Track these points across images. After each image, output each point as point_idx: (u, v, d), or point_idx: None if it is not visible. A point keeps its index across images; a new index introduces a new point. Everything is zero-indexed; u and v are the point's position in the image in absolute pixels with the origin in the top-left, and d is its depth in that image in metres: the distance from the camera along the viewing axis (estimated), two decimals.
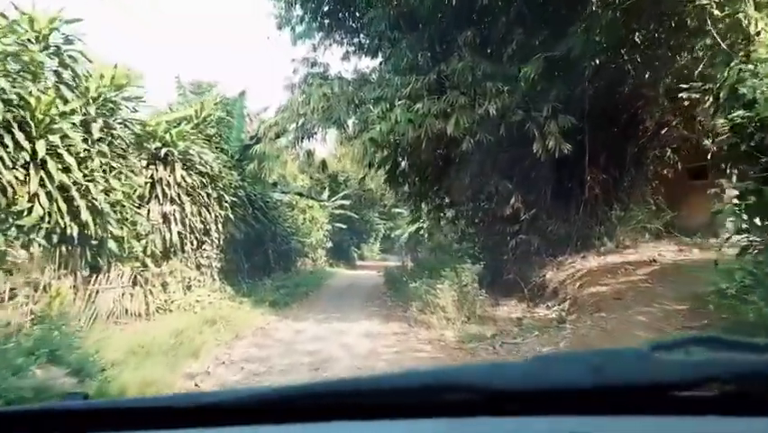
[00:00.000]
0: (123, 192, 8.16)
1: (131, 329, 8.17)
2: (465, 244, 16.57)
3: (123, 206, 8.13)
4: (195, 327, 8.53)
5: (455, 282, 9.91)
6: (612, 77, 10.92)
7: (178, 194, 10.15)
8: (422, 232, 30.52)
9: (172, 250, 10.42)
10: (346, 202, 33.72)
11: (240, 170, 16.94)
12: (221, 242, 12.81)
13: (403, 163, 15.30)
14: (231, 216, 12.69)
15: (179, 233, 10.36)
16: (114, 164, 8.00)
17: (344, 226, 34.25)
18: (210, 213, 11.59)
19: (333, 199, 33.47)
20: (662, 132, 13.59)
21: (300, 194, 20.78)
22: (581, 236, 13.17)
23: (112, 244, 7.90)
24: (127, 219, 8.42)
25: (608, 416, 0.85)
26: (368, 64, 13.70)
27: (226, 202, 12.43)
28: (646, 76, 10.73)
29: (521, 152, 11.80)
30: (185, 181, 10.12)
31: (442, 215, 16.91)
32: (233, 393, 0.99)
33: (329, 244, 32.69)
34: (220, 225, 12.18)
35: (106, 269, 8.13)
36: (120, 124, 8.99)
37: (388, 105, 10.95)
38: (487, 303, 10.84)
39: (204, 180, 11.07)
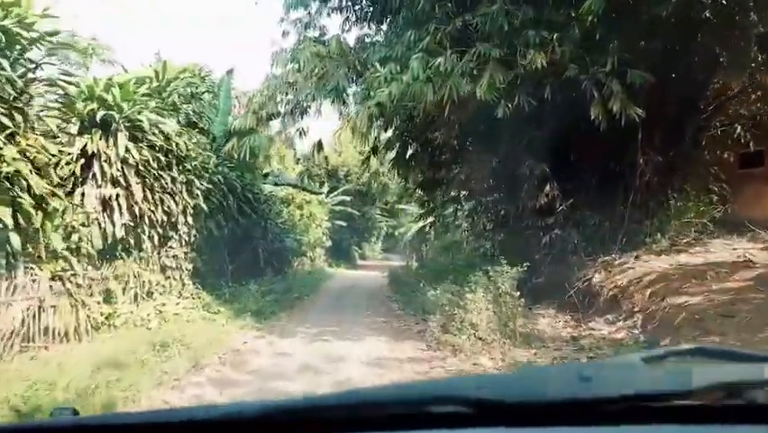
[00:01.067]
0: (30, 162, 5.76)
1: (41, 358, 5.77)
2: (484, 241, 14.16)
3: (28, 182, 5.70)
4: (137, 353, 6.10)
5: (489, 290, 7.47)
6: (688, 27, 8.45)
7: (124, 173, 7.69)
8: (428, 230, 28.14)
9: (121, 247, 8.03)
10: (347, 198, 31.28)
11: (225, 157, 14.59)
12: (195, 238, 10.40)
13: (414, 145, 12.89)
14: (205, 206, 10.26)
15: (127, 225, 7.93)
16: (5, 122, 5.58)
17: (344, 224, 31.81)
18: (176, 202, 9.16)
19: (332, 195, 31.03)
20: (730, 104, 11.17)
21: (296, 186, 18.39)
22: (629, 231, 10.75)
23: (14, 240, 5.52)
24: (43, 204, 6.01)
25: (599, 426, 0.84)
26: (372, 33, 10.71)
27: (198, 189, 9.99)
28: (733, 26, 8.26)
29: (563, 125, 9.37)
30: (133, 157, 7.65)
31: (458, 207, 14.42)
32: (223, 408, 0.93)
33: (328, 243, 30.26)
34: (190, 218, 9.74)
35: (8, 273, 5.73)
36: (44, 83, 6.65)
37: (398, 67, 8.53)
38: (526, 315, 8.45)
39: (163, 159, 8.63)
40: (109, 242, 7.64)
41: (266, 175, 17.74)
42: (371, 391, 1.04)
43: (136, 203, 7.89)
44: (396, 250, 56.81)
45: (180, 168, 9.29)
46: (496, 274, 7.66)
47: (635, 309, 7.41)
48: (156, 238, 8.88)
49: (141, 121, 7.92)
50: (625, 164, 10.54)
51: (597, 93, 7.56)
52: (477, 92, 7.60)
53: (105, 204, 7.55)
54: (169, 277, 9.25)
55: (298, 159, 19.06)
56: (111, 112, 7.52)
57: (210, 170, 11.08)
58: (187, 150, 9.54)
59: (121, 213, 7.65)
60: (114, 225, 7.59)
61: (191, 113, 11.84)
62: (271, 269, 17.41)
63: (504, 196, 11.80)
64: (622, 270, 9.20)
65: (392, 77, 8.34)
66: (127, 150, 7.52)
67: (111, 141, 7.50)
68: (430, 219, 28.23)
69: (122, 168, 7.63)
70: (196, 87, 12.85)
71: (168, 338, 6.96)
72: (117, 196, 7.60)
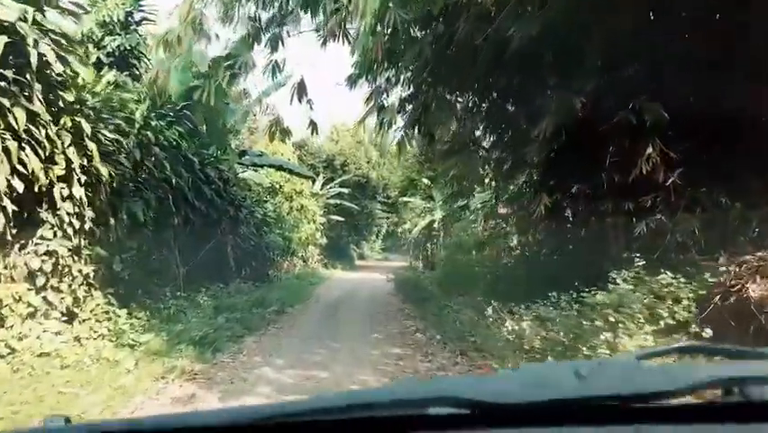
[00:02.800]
0: None
1: None
2: (530, 235, 10.28)
3: None
4: None
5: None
6: None
7: None
8: (436, 226, 24.36)
9: None
10: (344, 190, 27.39)
11: (177, 120, 10.80)
12: (101, 224, 6.50)
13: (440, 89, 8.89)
14: (115, 173, 6.32)
15: None
16: None
17: (342, 219, 27.94)
18: (48, 159, 5.28)
19: (328, 187, 27.17)
20: None
21: (281, 167, 14.49)
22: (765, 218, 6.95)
23: None
24: None
25: (596, 426, 0.83)
26: None
27: (101, 142, 6.05)
28: None
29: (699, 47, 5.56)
30: None
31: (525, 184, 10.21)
32: (219, 414, 0.90)
33: (323, 241, 26.41)
34: (81, 190, 5.80)
35: None
36: None
37: None
38: None
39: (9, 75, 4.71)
40: None
41: (243, 154, 13.89)
42: (367, 392, 1.06)
43: None
44: (395, 249, 52.72)
45: (60, 104, 5.41)
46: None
47: None
48: (13, 225, 5.03)
49: None
50: None
51: None
52: None
53: None
54: (39, 288, 5.37)
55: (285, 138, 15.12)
56: None
57: (137, 125, 7.21)
58: (75, 78, 5.65)
59: None
60: None
61: (116, 48, 7.97)
62: (250, 272, 13.55)
63: (574, 166, 7.92)
64: None
65: None
66: None
67: None
68: (438, 214, 24.51)
69: None
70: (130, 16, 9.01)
71: None
72: None
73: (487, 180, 12.92)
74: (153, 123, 7.69)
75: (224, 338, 7.07)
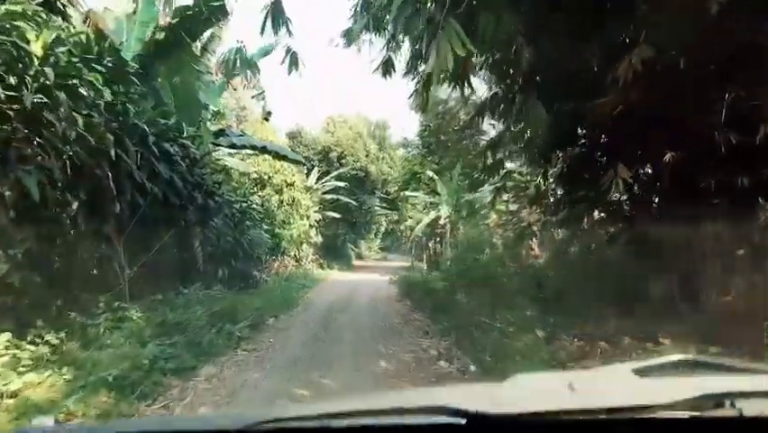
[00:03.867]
0: None
1: None
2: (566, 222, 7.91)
3: None
4: None
5: None
6: None
7: None
8: (442, 222, 22.04)
9: None
10: (341, 184, 25.01)
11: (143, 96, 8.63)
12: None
13: None
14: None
15: None
16: None
17: (338, 216, 25.56)
18: None
19: (323, 181, 24.80)
20: None
21: (264, 149, 12.00)
22: None
23: None
24: None
25: None
26: None
27: None
28: None
29: None
30: None
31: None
32: (204, 419, 0.96)
33: (318, 239, 24.06)
34: None
35: None
36: None
37: None
38: None
39: None
40: None
41: (220, 133, 11.56)
42: (363, 401, 1.01)
43: None
44: (394, 248, 50.12)
45: None
46: None
47: None
48: None
49: None
50: None
51: None
52: None
53: None
54: None
55: (265, 116, 12.61)
56: None
57: (35, 60, 4.84)
58: None
59: None
60: None
61: None
62: (229, 273, 11.22)
63: (667, 123, 5.57)
64: None
65: None
66: None
67: None
68: (445, 210, 22.17)
69: None
70: None
71: None
72: None
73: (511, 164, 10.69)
74: (65, 63, 5.35)
75: (158, 374, 4.73)
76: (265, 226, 16.53)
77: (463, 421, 0.82)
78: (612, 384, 0.92)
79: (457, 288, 10.52)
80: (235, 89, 11.46)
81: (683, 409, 0.83)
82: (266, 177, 18.01)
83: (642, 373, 0.93)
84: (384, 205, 30.37)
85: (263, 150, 11.99)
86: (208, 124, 11.61)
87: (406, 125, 66.14)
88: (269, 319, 8.60)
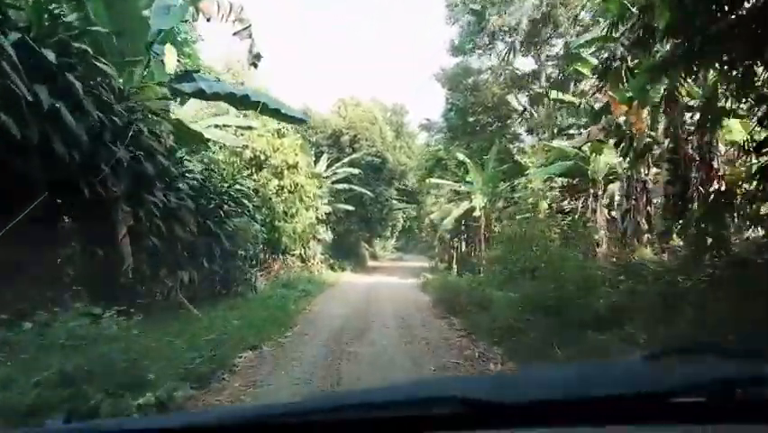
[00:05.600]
0: None
1: None
2: None
3: None
4: None
5: None
6: None
7: None
8: (477, 213, 18.28)
9: None
10: (354, 171, 21.30)
11: None
12: None
13: None
14: None
15: None
16: None
17: (351, 209, 21.89)
18: None
19: (334, 167, 21.13)
20: None
21: (246, 98, 8.17)
22: None
23: None
24: None
25: (601, 426, 0.81)
26: None
27: None
28: None
29: None
30: None
31: None
32: (221, 413, 0.93)
33: (328, 236, 20.46)
34: None
35: None
36: None
37: None
38: None
39: None
40: None
41: (183, 75, 7.96)
42: (370, 391, 1.01)
43: None
44: (410, 247, 45.72)
45: None
46: None
47: None
48: None
49: None
50: None
51: None
52: None
53: None
54: None
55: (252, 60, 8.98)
56: None
57: None
58: None
59: None
60: None
61: None
62: (199, 279, 7.67)
63: None
64: None
65: None
66: None
67: None
68: (480, 200, 18.37)
69: None
70: None
71: None
72: None
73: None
74: None
75: None
76: (260, 217, 12.94)
77: (475, 411, 0.81)
78: (623, 372, 0.90)
79: (526, 299, 6.80)
80: (209, 19, 7.80)
81: (695, 395, 0.81)
82: (262, 156, 14.40)
83: (652, 360, 0.93)
84: (403, 197, 26.61)
85: (246, 102, 8.32)
86: (169, 62, 8.04)
87: (426, 111, 61.39)
88: (235, 359, 4.95)
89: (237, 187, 10.58)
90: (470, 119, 21.72)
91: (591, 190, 13.91)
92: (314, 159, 20.49)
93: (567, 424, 0.81)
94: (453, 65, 21.24)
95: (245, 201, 11.13)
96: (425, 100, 71.93)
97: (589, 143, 13.25)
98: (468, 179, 19.10)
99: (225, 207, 9.67)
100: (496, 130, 20.93)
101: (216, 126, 11.74)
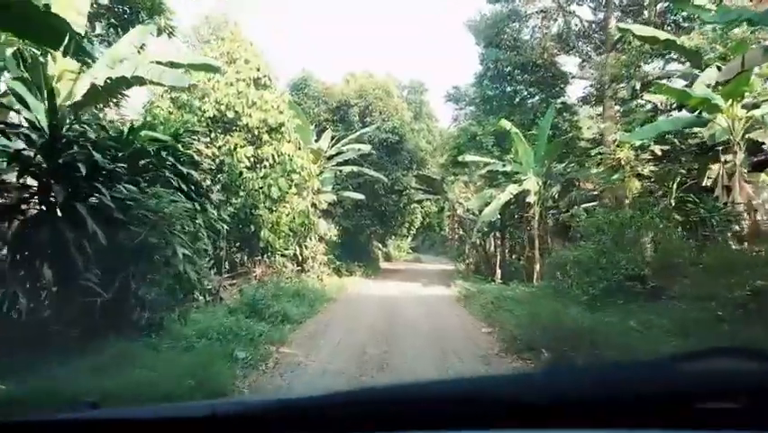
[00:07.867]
0: None
1: None
2: None
3: None
4: None
5: None
6: None
7: None
8: (531, 199, 13.55)
9: None
10: (365, 148, 16.59)
11: None
12: None
13: None
14: None
15: None
16: None
17: (361, 198, 17.21)
18: None
19: (340, 144, 16.51)
20: None
21: None
22: None
23: None
24: None
25: (630, 429, 0.79)
26: None
27: None
28: None
29: None
30: None
31: None
32: (247, 403, 0.91)
33: (333, 231, 15.87)
34: None
35: None
36: None
37: None
38: None
39: None
40: None
41: None
42: (403, 387, 0.99)
43: None
44: (426, 247, 40.51)
45: None
46: None
47: None
48: None
49: None
50: None
51: None
52: None
53: None
54: None
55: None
56: None
57: None
58: None
59: None
60: None
61: None
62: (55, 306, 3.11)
63: None
64: None
65: None
66: None
67: None
68: (534, 182, 13.56)
69: None
70: None
71: None
72: None
73: None
74: None
75: None
76: (218, 197, 8.34)
77: (502, 411, 0.81)
78: (653, 374, 0.87)
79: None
80: None
81: (727, 399, 0.78)
82: (231, 114, 9.77)
83: (683, 361, 0.89)
84: (423, 186, 21.85)
85: None
86: None
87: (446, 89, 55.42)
88: None
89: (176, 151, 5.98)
90: (509, 88, 16.94)
91: (722, 157, 9.21)
92: (314, 137, 15.93)
93: (598, 426, 0.79)
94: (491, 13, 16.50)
95: (185, 171, 6.52)
96: (447, 76, 64.22)
97: (724, 84, 8.70)
98: (512, 157, 14.39)
99: (122, 176, 5.05)
100: (545, 97, 16.20)
101: (159, 63, 7.35)
